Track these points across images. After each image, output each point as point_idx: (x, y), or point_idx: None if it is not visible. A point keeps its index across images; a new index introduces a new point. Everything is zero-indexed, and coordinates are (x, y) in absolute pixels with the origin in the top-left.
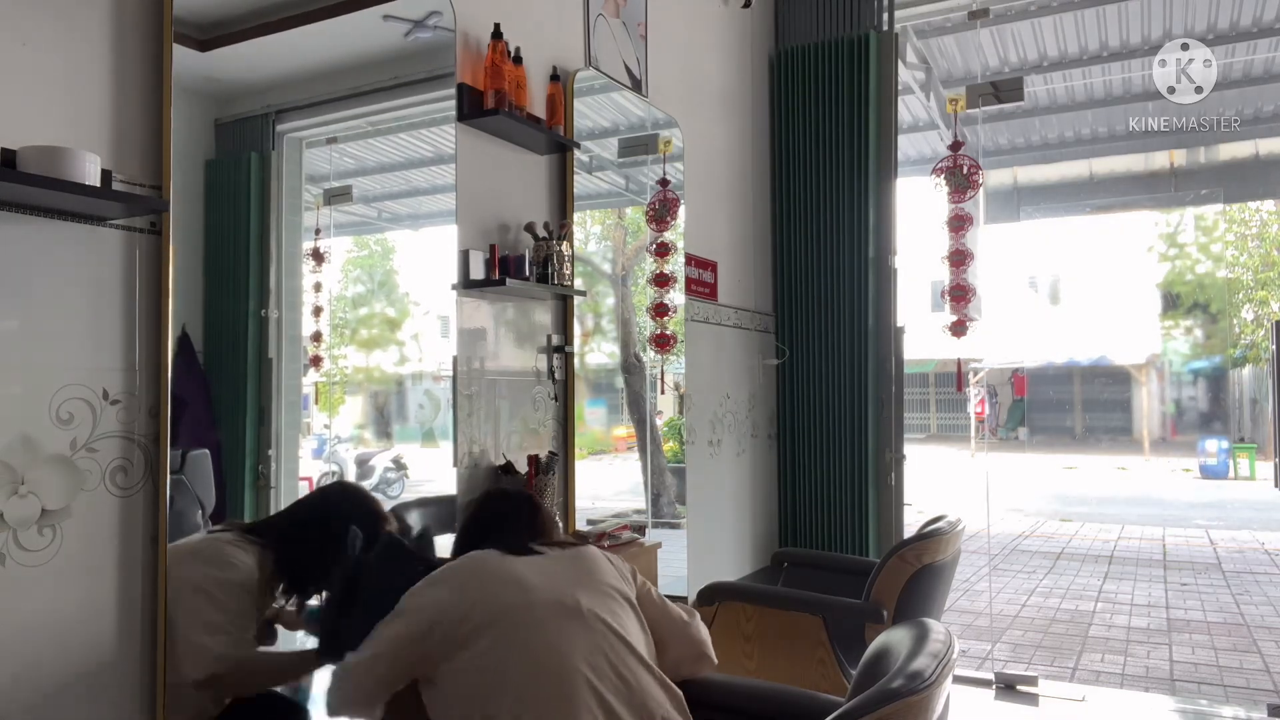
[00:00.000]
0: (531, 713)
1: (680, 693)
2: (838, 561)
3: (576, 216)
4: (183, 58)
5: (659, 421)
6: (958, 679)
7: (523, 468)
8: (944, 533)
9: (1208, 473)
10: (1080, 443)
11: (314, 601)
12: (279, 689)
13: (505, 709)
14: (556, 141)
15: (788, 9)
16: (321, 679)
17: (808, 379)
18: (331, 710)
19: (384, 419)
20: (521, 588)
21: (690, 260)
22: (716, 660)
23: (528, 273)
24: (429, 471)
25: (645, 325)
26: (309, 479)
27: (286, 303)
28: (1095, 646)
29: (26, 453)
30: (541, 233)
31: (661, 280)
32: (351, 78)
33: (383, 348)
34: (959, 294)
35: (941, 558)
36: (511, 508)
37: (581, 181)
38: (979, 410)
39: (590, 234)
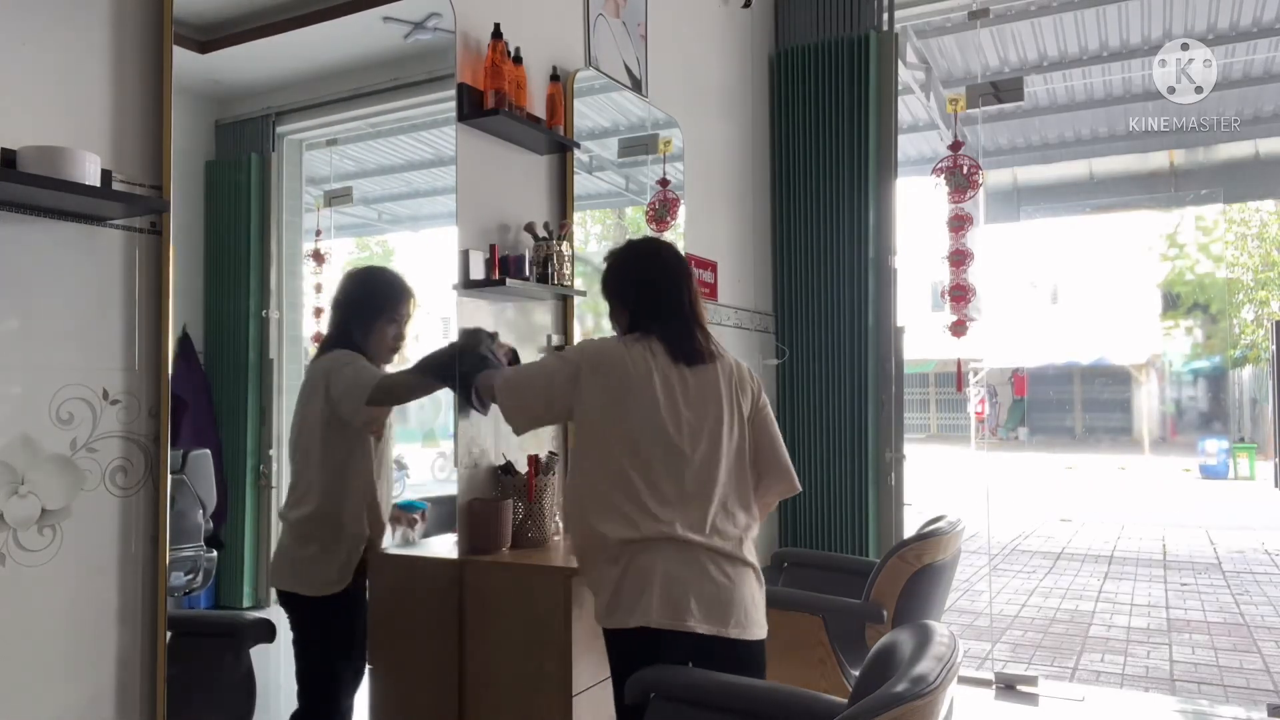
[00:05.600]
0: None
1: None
2: (838, 561)
3: (576, 216)
4: (183, 59)
5: None
6: (958, 679)
7: (523, 467)
8: (944, 533)
9: (1208, 473)
10: (1080, 443)
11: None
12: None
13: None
14: (556, 141)
15: (788, 9)
16: None
17: (808, 379)
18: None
19: None
20: (662, 433)
21: (690, 260)
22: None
23: (528, 273)
24: (430, 471)
25: None
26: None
27: (287, 303)
28: (1095, 646)
29: (26, 453)
30: (541, 233)
31: None
32: (352, 79)
33: None
34: (959, 294)
35: (941, 558)
36: (672, 283)
37: (581, 181)
38: (979, 410)
39: (590, 234)
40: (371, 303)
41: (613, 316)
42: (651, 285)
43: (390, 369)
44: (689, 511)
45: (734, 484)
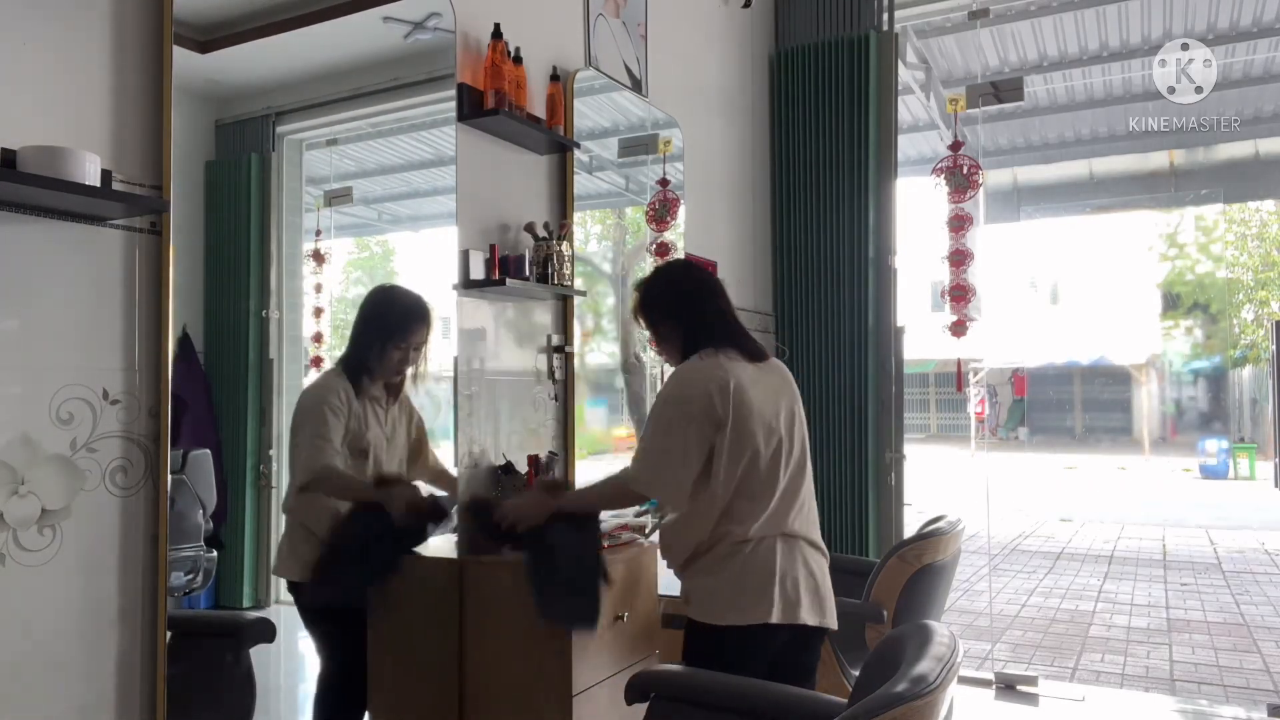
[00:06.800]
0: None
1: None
2: (837, 561)
3: (576, 216)
4: (183, 59)
5: None
6: (958, 679)
7: (523, 468)
8: (944, 533)
9: (1208, 473)
10: (1080, 443)
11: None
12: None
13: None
14: (556, 141)
15: (788, 9)
16: None
17: (808, 379)
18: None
19: None
20: (771, 433)
21: (690, 260)
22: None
23: (528, 273)
24: None
25: None
26: None
27: (287, 303)
28: (1095, 646)
29: (26, 453)
30: (541, 233)
31: None
32: (352, 79)
33: None
34: (959, 294)
35: (941, 558)
36: (713, 293)
37: (581, 181)
38: (979, 410)
39: (590, 234)
40: (383, 326)
41: (661, 337)
42: (700, 298)
43: (394, 388)
44: (791, 506)
45: (809, 477)
